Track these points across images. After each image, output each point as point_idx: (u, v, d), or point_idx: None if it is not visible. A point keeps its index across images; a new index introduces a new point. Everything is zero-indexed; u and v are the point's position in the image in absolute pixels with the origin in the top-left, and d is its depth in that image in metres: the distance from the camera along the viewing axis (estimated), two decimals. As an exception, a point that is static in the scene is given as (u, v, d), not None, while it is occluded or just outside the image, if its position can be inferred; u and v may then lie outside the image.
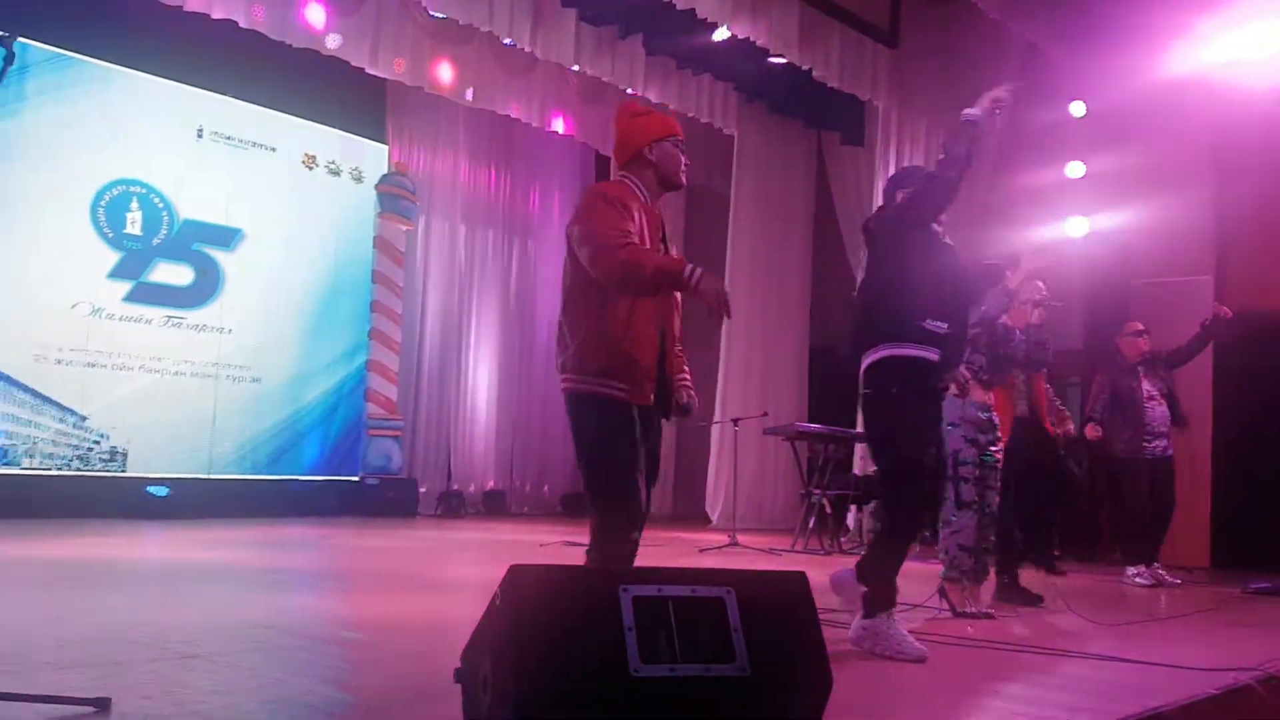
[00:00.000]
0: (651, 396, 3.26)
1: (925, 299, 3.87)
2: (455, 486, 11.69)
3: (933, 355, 3.86)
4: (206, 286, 9.94)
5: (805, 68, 9.49)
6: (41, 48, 8.75)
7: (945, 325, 3.89)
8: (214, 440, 9.74)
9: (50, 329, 8.88)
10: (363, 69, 9.72)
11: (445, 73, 10.27)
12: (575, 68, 9.98)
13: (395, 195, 11.17)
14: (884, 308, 3.94)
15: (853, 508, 9.58)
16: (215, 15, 8.51)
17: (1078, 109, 9.86)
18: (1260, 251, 9.06)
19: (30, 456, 8.69)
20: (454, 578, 6.20)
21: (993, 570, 5.32)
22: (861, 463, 9.60)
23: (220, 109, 10.04)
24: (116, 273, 9.32)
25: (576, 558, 3.88)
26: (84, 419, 9.02)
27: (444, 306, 11.96)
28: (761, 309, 11.72)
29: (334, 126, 10.96)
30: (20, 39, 2.74)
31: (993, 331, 5.21)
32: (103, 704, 2.52)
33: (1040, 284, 5.73)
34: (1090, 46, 9.57)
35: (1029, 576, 5.91)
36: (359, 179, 11.17)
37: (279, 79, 9.96)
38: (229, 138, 10.14)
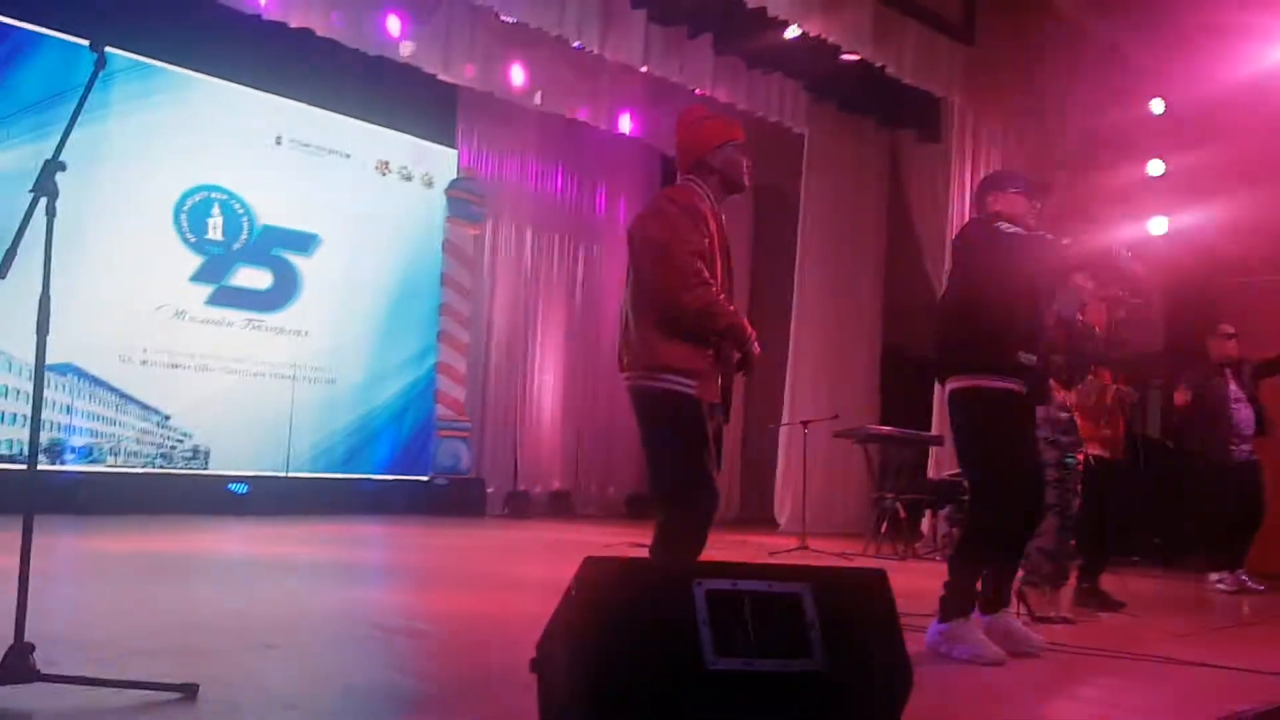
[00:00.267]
0: (718, 393, 3.25)
1: (1021, 329, 3.81)
2: (522, 487, 11.78)
3: (1020, 388, 3.82)
4: (285, 290, 10.16)
5: (878, 65, 9.37)
6: (125, 55, 9.02)
7: (1035, 358, 3.84)
8: (291, 440, 9.95)
9: (135, 331, 9.14)
10: (434, 75, 9.87)
11: (517, 75, 10.39)
12: (644, 69, 9.99)
13: (464, 200, 11.31)
14: (978, 331, 3.84)
15: (927, 512, 9.43)
16: (293, 24, 8.71)
17: (1157, 106, 9.62)
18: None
19: (115, 455, 8.95)
20: (521, 576, 6.25)
21: (1074, 575, 5.21)
22: (936, 466, 9.45)
23: (297, 116, 10.26)
24: (199, 276, 9.57)
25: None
26: (167, 418, 9.27)
27: (511, 309, 12.06)
28: (833, 309, 11.59)
29: (405, 132, 11.13)
30: (106, 48, 2.83)
31: (1071, 330, 5.10)
32: (190, 690, 2.59)
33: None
34: (1169, 43, 9.33)
35: (1110, 581, 5.78)
36: (429, 184, 11.33)
37: (353, 86, 10.14)
38: (306, 144, 10.35)
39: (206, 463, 9.45)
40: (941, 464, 9.26)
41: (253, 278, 9.92)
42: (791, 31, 9.39)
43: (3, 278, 2.45)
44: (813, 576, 2.34)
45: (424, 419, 11.08)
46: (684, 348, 3.16)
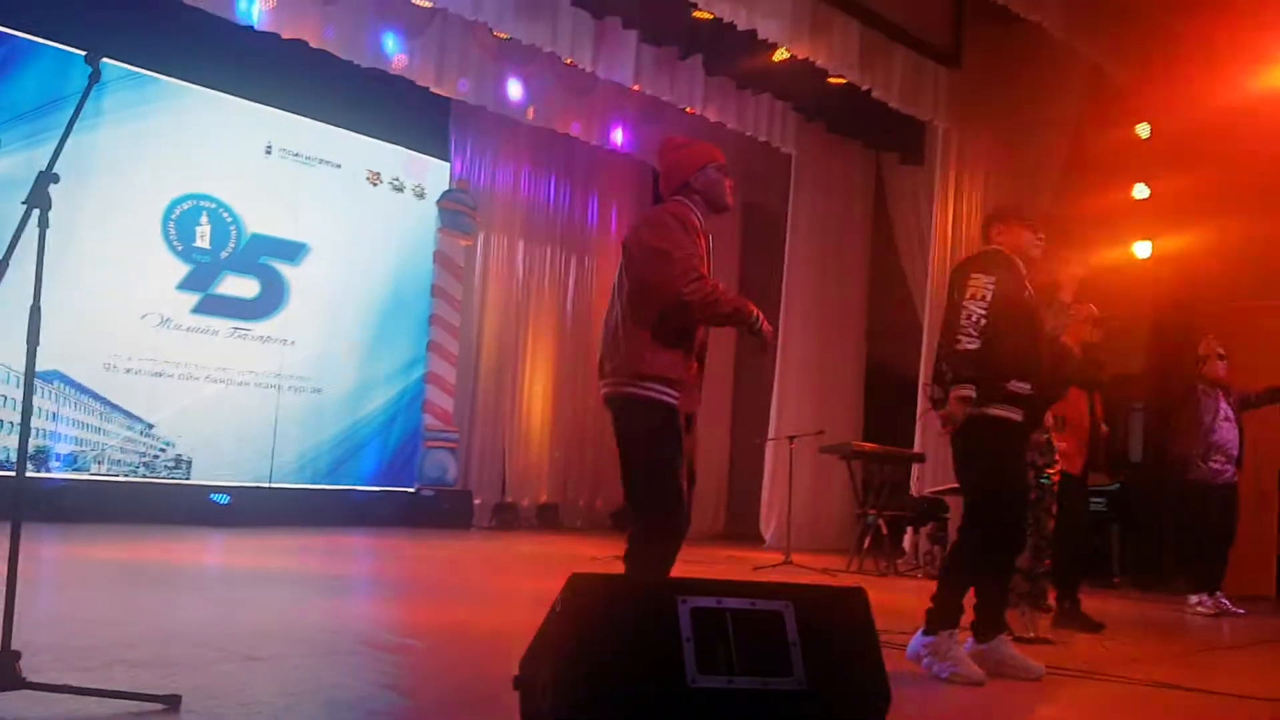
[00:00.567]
0: (697, 404, 3.35)
1: (1012, 358, 3.88)
2: (509, 499, 11.78)
3: (1016, 416, 3.90)
4: (272, 299, 10.16)
5: (865, 88, 9.48)
6: (118, 65, 9.04)
7: (1029, 386, 3.90)
8: (276, 450, 9.92)
9: (120, 338, 9.12)
10: (427, 87, 9.91)
11: (510, 91, 10.47)
12: (636, 87, 10.06)
13: (456, 211, 11.34)
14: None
15: (909, 529, 9.49)
16: (285, 35, 8.74)
17: (1143, 130, 9.73)
18: (1332, 276, 8.84)
19: (99, 463, 8.93)
20: (507, 588, 6.25)
21: (1052, 596, 5.25)
22: (918, 484, 9.51)
23: (288, 126, 10.28)
24: (185, 285, 9.56)
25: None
26: (151, 427, 9.25)
27: (501, 321, 12.08)
28: (818, 327, 11.66)
29: (397, 143, 11.16)
30: (102, 59, 2.85)
31: (1052, 350, 5.13)
32: (173, 701, 2.60)
33: (1092, 305, 5.65)
34: (1156, 68, 9.45)
35: (1090, 603, 5.82)
36: (421, 195, 11.36)
37: (345, 97, 10.16)
38: (296, 154, 10.37)
39: (189, 472, 9.42)
40: (924, 481, 9.32)
41: (240, 286, 9.92)
42: (780, 54, 9.48)
43: (-4, 287, 2.47)
44: (794, 594, 2.37)
45: (412, 430, 11.08)
46: (670, 358, 3.25)
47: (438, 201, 11.33)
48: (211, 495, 9.22)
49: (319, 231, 10.50)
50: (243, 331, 9.91)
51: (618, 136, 11.57)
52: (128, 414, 9.11)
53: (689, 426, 3.33)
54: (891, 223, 11.77)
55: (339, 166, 10.68)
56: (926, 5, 9.82)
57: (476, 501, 11.36)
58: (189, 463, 9.43)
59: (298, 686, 3.05)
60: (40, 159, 2.73)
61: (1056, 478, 5.07)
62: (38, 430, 8.45)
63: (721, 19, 8.63)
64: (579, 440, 12.55)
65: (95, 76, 2.88)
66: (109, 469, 8.98)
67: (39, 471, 8.47)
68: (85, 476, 8.79)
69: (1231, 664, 4.78)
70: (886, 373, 11.79)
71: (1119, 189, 9.73)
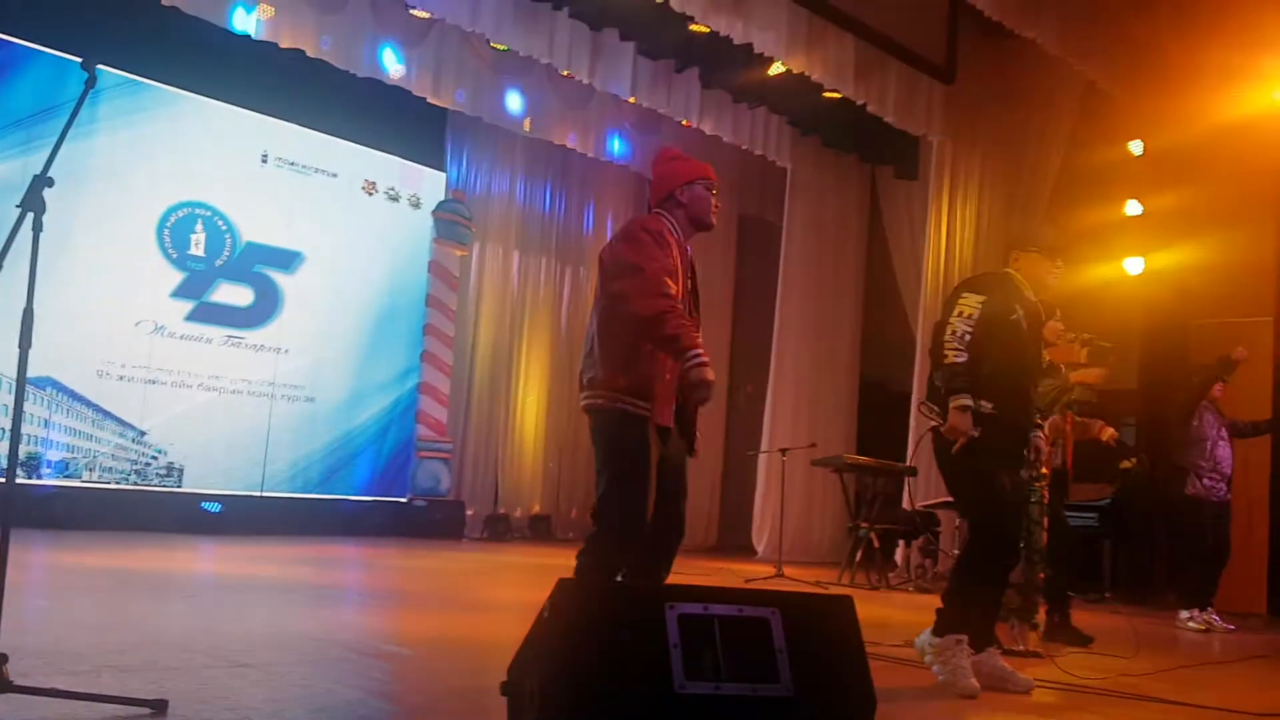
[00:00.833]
0: (670, 418, 3.31)
1: (984, 378, 3.92)
2: (502, 510, 11.76)
3: (976, 432, 3.90)
4: (266, 307, 10.16)
5: (860, 103, 9.53)
6: (114, 73, 9.06)
7: (991, 405, 3.91)
8: (268, 458, 9.90)
9: (114, 346, 9.11)
10: (423, 98, 9.94)
11: (508, 101, 10.52)
12: (632, 99, 10.10)
13: (451, 221, 11.35)
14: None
15: (901, 543, 9.49)
16: (283, 45, 8.77)
17: (1136, 147, 9.78)
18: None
19: (90, 470, 8.91)
20: (496, 598, 6.25)
21: (1043, 609, 5.25)
22: (910, 497, 9.51)
23: (284, 135, 10.29)
24: (179, 292, 9.56)
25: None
26: (143, 434, 9.23)
27: (496, 331, 12.08)
28: (813, 340, 11.70)
29: (393, 153, 11.18)
30: (97, 66, 2.87)
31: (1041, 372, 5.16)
32: (160, 706, 2.60)
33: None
34: (1149, 85, 9.51)
35: (1080, 617, 5.83)
36: (416, 205, 11.37)
37: (341, 106, 10.19)
38: (292, 163, 10.38)
39: (181, 480, 9.40)
40: (916, 495, 9.32)
41: (234, 294, 9.92)
42: (776, 68, 9.53)
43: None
44: (782, 601, 2.38)
45: (405, 440, 11.06)
46: (642, 372, 3.24)
47: (433, 211, 11.35)
48: (203, 504, 9.20)
49: (314, 240, 10.50)
50: (236, 340, 9.90)
51: (615, 146, 11.61)
52: (120, 421, 9.10)
53: (664, 438, 3.31)
54: (886, 236, 11.84)
55: (335, 176, 10.69)
56: (921, 20, 9.87)
57: (469, 512, 11.34)
58: (181, 471, 9.41)
59: (285, 693, 3.05)
60: (35, 165, 2.74)
61: (1046, 495, 5.08)
62: (29, 436, 8.43)
63: (718, 32, 8.69)
64: (572, 451, 12.54)
65: (91, 83, 2.89)
66: (100, 476, 8.95)
67: (30, 478, 8.45)
68: (76, 483, 8.77)
69: (1221, 679, 4.78)
70: (880, 386, 11.83)
71: (1111, 205, 9.79)
